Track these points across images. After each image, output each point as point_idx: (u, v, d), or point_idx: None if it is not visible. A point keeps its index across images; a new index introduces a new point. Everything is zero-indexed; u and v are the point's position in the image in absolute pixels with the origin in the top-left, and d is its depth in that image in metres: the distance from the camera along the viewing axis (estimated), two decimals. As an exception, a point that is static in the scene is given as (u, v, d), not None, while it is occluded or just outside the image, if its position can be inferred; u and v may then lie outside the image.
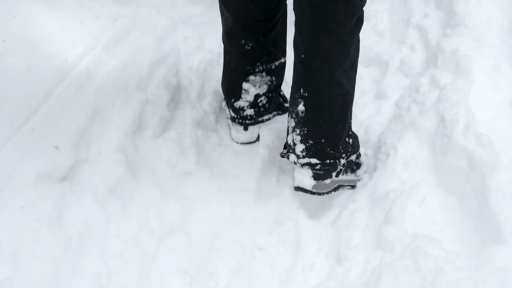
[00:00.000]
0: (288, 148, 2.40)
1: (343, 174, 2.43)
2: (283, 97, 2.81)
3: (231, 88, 2.63)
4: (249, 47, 2.48)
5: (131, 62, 2.66)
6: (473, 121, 2.28)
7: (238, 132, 2.70)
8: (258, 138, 2.72)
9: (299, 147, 2.34)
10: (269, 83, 2.61)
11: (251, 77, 2.57)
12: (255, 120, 2.67)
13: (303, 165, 2.35)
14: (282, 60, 2.61)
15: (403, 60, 2.88)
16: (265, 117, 2.70)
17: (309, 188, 2.39)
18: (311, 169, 2.36)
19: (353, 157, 2.45)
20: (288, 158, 2.40)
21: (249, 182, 2.52)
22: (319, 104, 2.27)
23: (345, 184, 2.47)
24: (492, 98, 2.57)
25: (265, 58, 2.54)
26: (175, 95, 2.75)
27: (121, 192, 2.34)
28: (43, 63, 2.51)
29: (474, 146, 2.21)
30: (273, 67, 2.58)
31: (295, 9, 2.19)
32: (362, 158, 2.57)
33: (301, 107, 2.28)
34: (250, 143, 2.72)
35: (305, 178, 2.38)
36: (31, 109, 2.34)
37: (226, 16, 2.45)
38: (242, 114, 2.64)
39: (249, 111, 2.64)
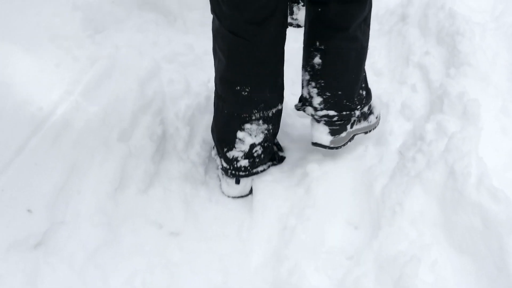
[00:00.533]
0: (304, 101, 2.44)
1: (356, 124, 2.53)
2: (277, 145, 2.64)
3: (224, 137, 2.44)
4: (246, 93, 2.30)
5: (112, 109, 2.45)
6: (486, 174, 2.09)
7: (229, 185, 2.50)
8: (251, 191, 2.52)
9: (317, 100, 2.39)
10: (266, 131, 2.42)
11: (247, 126, 2.39)
12: (250, 172, 2.48)
13: (321, 117, 2.42)
14: (279, 107, 2.44)
15: (405, 102, 2.69)
16: (260, 169, 2.52)
17: (326, 144, 2.48)
18: (328, 125, 2.44)
19: (365, 109, 2.53)
20: (304, 111, 2.45)
21: (243, 243, 2.29)
22: (335, 58, 2.33)
23: (359, 132, 2.58)
24: (502, 143, 2.40)
25: (263, 105, 2.36)
26: (161, 145, 2.53)
27: (102, 259, 2.11)
28: (15, 112, 2.29)
29: (489, 202, 2.02)
30: (270, 114, 2.40)
31: None
32: (375, 102, 2.62)
33: (317, 60, 2.33)
34: (242, 196, 2.52)
35: (323, 135, 2.46)
36: (0, 166, 2.12)
37: (221, 59, 2.28)
38: (235, 165, 2.45)
39: (243, 162, 2.45)
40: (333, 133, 2.45)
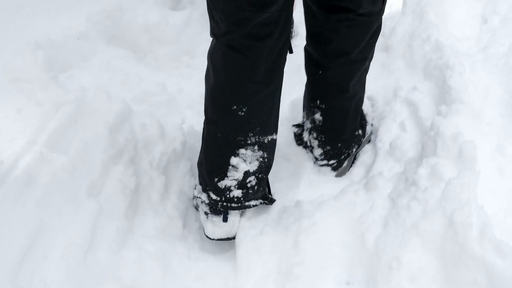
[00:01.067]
0: (305, 145, 2.62)
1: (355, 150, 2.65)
2: (268, 185, 2.49)
3: (216, 164, 2.27)
4: (242, 113, 2.16)
5: (80, 160, 2.24)
6: (488, 225, 1.93)
7: (215, 225, 2.32)
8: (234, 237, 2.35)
9: (317, 151, 2.57)
10: (261, 159, 2.27)
11: (242, 151, 2.23)
12: (242, 204, 2.30)
13: (321, 165, 2.59)
14: (274, 137, 2.30)
15: (394, 142, 2.53)
16: (252, 203, 2.33)
17: (333, 177, 2.60)
18: (330, 166, 2.59)
19: (361, 139, 2.66)
20: (305, 149, 2.63)
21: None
22: (335, 115, 2.46)
23: (358, 151, 2.69)
24: (499, 186, 2.28)
25: (259, 129, 2.21)
26: (134, 198, 2.32)
27: (72, 335, 1.91)
28: (-28, 168, 2.09)
29: (493, 257, 1.86)
30: (266, 141, 2.26)
31: (306, 22, 2.33)
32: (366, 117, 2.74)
33: (318, 116, 2.47)
34: (228, 239, 2.35)
35: (327, 173, 2.60)
36: (-43, 231, 1.91)
37: (215, 79, 2.16)
38: (227, 196, 2.27)
39: (236, 192, 2.28)
40: (335, 169, 2.61)
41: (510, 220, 2.13)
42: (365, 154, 2.66)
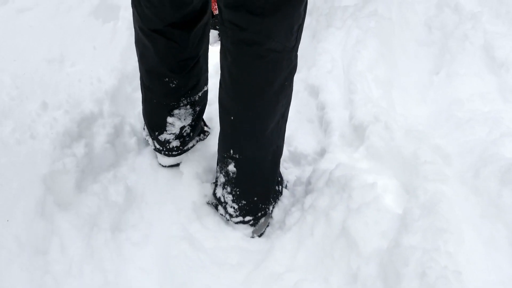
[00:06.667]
0: (218, 202, 2.43)
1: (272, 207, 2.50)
2: (203, 120, 2.78)
3: (154, 122, 2.56)
4: (174, 85, 2.39)
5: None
6: None
7: (164, 157, 2.67)
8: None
9: (232, 207, 2.39)
10: (193, 113, 2.55)
11: (176, 111, 2.50)
12: (181, 150, 2.62)
13: (236, 223, 2.40)
14: (205, 89, 2.55)
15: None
16: (190, 145, 2.66)
17: (249, 236, 2.44)
18: (246, 224, 2.42)
19: (280, 196, 2.53)
20: (217, 210, 2.46)
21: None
22: (250, 167, 2.29)
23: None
24: None
25: (190, 92, 2.46)
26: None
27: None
28: None
29: None
30: (197, 98, 2.51)
31: (221, 64, 2.12)
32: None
33: (231, 168, 2.29)
34: (178, 165, 2.68)
35: (244, 231, 2.43)
36: None
37: (146, 53, 2.33)
38: (168, 147, 2.58)
39: (175, 143, 2.59)
40: (253, 224, 2.43)
41: None
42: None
